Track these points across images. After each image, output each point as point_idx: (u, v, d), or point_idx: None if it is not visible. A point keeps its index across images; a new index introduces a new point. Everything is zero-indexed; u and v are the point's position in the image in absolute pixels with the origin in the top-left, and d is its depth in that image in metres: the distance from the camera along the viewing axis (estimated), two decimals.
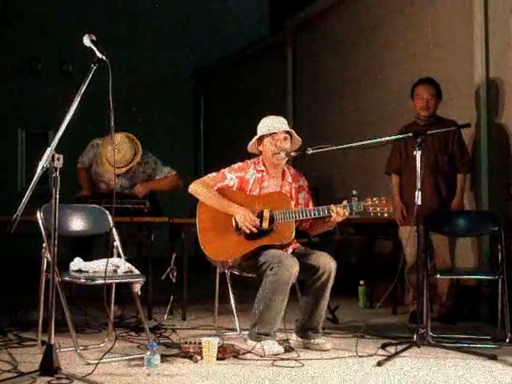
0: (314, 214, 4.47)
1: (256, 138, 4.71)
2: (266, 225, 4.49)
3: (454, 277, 5.58)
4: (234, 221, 4.54)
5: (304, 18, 9.84)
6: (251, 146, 4.77)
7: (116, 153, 5.72)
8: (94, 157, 6.05)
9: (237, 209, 4.51)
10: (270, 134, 4.64)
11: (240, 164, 4.76)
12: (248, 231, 4.46)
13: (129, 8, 12.61)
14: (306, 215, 4.48)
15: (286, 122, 4.72)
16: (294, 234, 4.49)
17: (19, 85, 11.40)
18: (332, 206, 4.41)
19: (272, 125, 4.66)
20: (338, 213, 4.39)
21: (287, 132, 4.67)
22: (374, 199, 4.37)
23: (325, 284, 4.45)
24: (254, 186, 4.68)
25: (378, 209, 4.35)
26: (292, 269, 4.28)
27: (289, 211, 4.48)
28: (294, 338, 4.61)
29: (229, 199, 4.58)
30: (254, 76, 11.36)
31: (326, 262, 4.44)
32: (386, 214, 4.37)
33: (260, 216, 4.50)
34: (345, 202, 4.42)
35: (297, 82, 10.10)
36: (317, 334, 4.54)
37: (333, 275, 4.45)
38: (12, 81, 11.35)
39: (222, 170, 4.73)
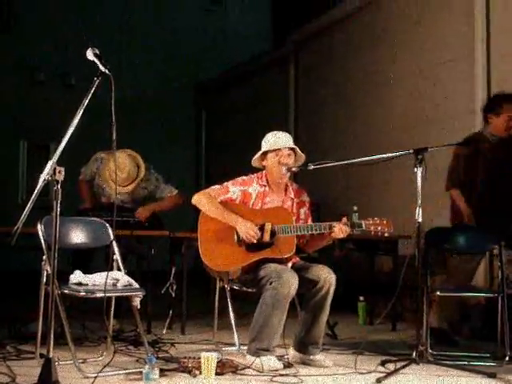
0: (316, 230, 4.47)
1: (260, 153, 4.72)
2: (266, 238, 4.48)
3: (454, 294, 5.56)
4: (235, 233, 4.55)
5: (306, 33, 9.90)
6: (255, 160, 4.77)
7: (119, 173, 5.75)
8: (97, 170, 6.06)
9: (239, 220, 4.51)
10: (274, 150, 4.64)
11: (244, 178, 4.75)
12: (249, 241, 4.47)
13: (131, 21, 12.68)
14: (308, 231, 4.48)
15: (290, 137, 4.72)
16: (294, 248, 4.48)
17: (21, 96, 11.45)
18: (334, 224, 4.42)
19: (276, 141, 4.65)
20: (341, 230, 4.39)
21: (291, 148, 4.68)
22: (376, 219, 4.38)
23: (324, 297, 4.44)
24: (256, 200, 4.67)
25: (379, 228, 4.37)
26: (291, 283, 4.27)
27: (290, 226, 4.48)
28: (291, 353, 4.59)
29: (231, 212, 4.59)
30: (256, 90, 11.40)
31: (326, 275, 4.43)
32: (386, 234, 4.39)
33: (261, 229, 4.50)
34: (344, 219, 4.43)
35: (298, 97, 10.14)
36: (316, 349, 4.52)
37: (332, 288, 4.44)
38: (14, 92, 11.39)
39: (226, 183, 4.73)
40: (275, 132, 4.73)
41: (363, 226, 4.40)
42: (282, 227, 4.48)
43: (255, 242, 4.46)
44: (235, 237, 4.54)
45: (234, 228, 4.53)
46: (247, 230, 4.46)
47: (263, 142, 4.72)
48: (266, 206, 4.67)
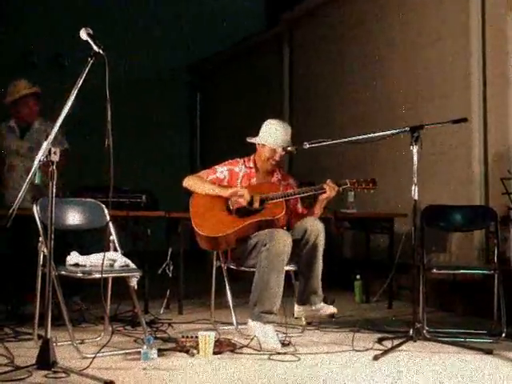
0: (304, 193, 4.71)
1: (258, 141, 4.81)
2: (256, 205, 4.64)
3: (450, 271, 5.58)
4: (225, 202, 4.68)
5: (301, 12, 9.84)
6: (251, 139, 4.87)
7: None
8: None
9: (227, 189, 4.66)
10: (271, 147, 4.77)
11: (230, 160, 4.91)
12: (241, 204, 4.61)
13: (124, 3, 12.58)
14: (296, 194, 4.70)
15: (290, 131, 4.80)
16: (284, 209, 4.62)
17: (14, 78, 11.36)
18: (323, 185, 4.65)
19: (276, 139, 4.74)
20: (330, 187, 4.61)
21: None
22: (361, 179, 4.65)
23: (315, 245, 4.54)
24: (243, 179, 4.83)
25: (364, 185, 4.64)
26: (284, 240, 4.38)
27: (278, 193, 4.68)
28: (296, 310, 4.73)
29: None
30: (251, 71, 11.35)
31: (313, 224, 4.56)
32: (372, 191, 4.65)
33: (251, 201, 4.64)
34: (329, 180, 4.65)
35: (293, 76, 10.10)
36: (317, 297, 4.64)
37: (322, 236, 4.55)
38: (7, 74, 11.30)
39: (213, 166, 4.88)
40: (278, 125, 4.80)
41: (348, 183, 4.65)
42: (270, 195, 4.66)
43: (245, 204, 4.60)
44: (226, 206, 4.67)
45: (225, 198, 4.66)
46: (238, 193, 4.61)
47: (264, 130, 4.81)
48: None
